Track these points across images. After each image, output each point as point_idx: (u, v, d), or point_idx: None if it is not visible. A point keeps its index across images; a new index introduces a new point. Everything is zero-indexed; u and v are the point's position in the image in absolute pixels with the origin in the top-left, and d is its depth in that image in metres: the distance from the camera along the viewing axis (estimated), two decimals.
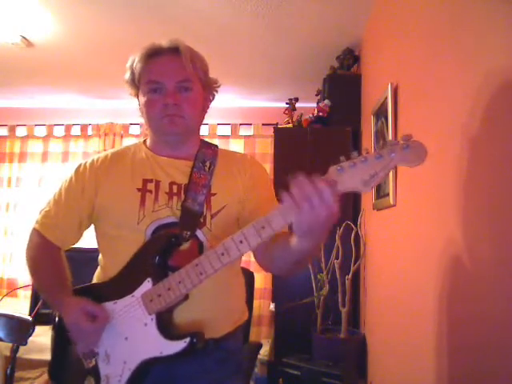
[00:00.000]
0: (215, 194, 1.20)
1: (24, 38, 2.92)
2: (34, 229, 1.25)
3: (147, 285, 1.10)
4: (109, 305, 1.13)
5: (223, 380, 1.21)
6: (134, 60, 1.21)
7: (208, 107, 1.29)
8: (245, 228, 0.96)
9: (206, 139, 1.35)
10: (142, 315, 1.10)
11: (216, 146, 1.31)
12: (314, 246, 0.96)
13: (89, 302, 1.11)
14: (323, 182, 0.84)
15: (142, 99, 1.21)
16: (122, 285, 1.14)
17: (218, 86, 1.29)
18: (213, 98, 1.30)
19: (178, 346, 1.07)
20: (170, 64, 1.18)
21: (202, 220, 1.17)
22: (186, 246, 1.14)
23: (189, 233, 1.13)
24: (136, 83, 1.22)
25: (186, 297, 1.10)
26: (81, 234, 1.27)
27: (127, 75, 1.23)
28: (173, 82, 1.17)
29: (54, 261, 1.23)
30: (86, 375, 1.15)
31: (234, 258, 0.98)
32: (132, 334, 1.11)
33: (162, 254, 1.11)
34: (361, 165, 0.84)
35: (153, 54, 1.19)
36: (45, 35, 2.91)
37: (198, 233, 1.16)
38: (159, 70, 1.18)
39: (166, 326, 1.10)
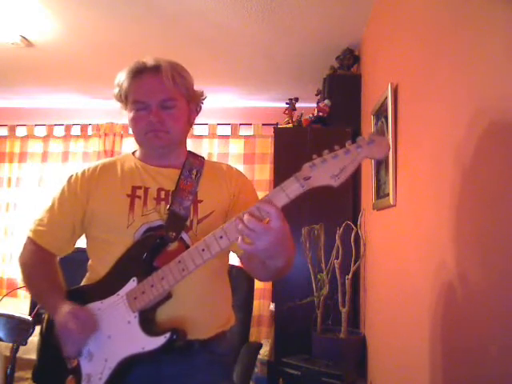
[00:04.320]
0: (202, 200, 1.25)
1: (24, 37, 2.92)
2: (28, 237, 1.29)
3: (132, 284, 1.13)
4: (95, 304, 1.16)
5: (209, 382, 1.22)
6: (120, 78, 1.27)
7: (194, 119, 1.35)
8: (225, 224, 1.01)
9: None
10: (125, 313, 1.13)
11: (203, 157, 1.38)
12: (280, 265, 1.06)
13: (78, 307, 1.14)
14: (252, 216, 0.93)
15: (129, 116, 1.27)
16: (108, 285, 1.17)
17: (204, 99, 1.36)
18: (199, 110, 1.37)
19: (159, 341, 1.10)
20: (152, 83, 1.24)
21: (188, 224, 1.21)
22: (173, 248, 1.17)
23: (174, 234, 1.17)
24: (123, 99, 1.28)
25: (170, 295, 1.13)
26: (74, 241, 1.31)
27: (115, 91, 1.29)
28: (156, 100, 1.23)
29: (46, 267, 1.26)
30: (67, 375, 1.17)
31: (214, 252, 1.03)
32: (115, 332, 1.14)
33: (148, 254, 1.14)
34: (331, 160, 0.93)
35: (136, 73, 1.25)
36: (45, 35, 2.91)
37: (185, 236, 1.20)
38: (142, 89, 1.24)
39: (149, 323, 1.13)
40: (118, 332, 1.13)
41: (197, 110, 1.35)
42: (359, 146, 0.93)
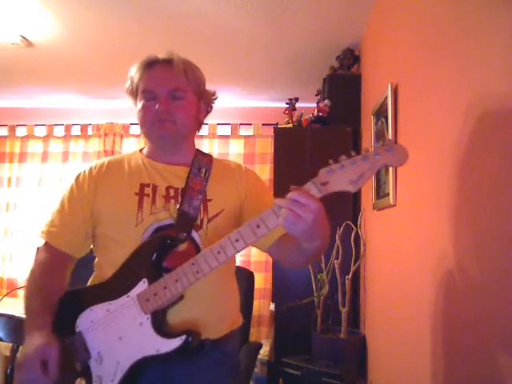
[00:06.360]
0: (211, 199, 1.24)
1: (24, 38, 2.92)
2: (40, 243, 1.25)
3: (143, 285, 1.11)
4: (103, 305, 1.14)
5: (219, 382, 1.22)
6: (132, 71, 1.27)
7: (204, 118, 1.35)
8: (241, 227, 1.01)
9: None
10: (137, 315, 1.11)
11: (211, 155, 1.37)
12: (318, 245, 1.04)
13: (50, 344, 1.08)
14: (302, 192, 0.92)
15: (138, 106, 1.26)
16: (117, 286, 1.15)
17: (215, 99, 1.35)
18: (210, 110, 1.36)
19: (174, 343, 1.08)
20: (163, 74, 1.24)
21: (198, 223, 1.20)
22: (183, 248, 1.16)
23: (184, 234, 1.16)
24: (134, 92, 1.28)
25: (182, 297, 1.12)
26: (89, 241, 1.28)
27: (127, 84, 1.29)
28: (165, 90, 1.22)
29: (48, 280, 1.20)
30: (77, 377, 1.15)
31: (230, 255, 1.03)
32: (126, 333, 1.12)
33: (157, 255, 1.13)
34: (349, 166, 0.93)
35: (148, 65, 1.25)
36: (45, 35, 2.91)
37: (195, 236, 1.19)
38: (152, 79, 1.24)
39: (161, 324, 1.11)
40: (130, 334, 1.11)
41: (207, 109, 1.35)
42: (377, 153, 0.92)
